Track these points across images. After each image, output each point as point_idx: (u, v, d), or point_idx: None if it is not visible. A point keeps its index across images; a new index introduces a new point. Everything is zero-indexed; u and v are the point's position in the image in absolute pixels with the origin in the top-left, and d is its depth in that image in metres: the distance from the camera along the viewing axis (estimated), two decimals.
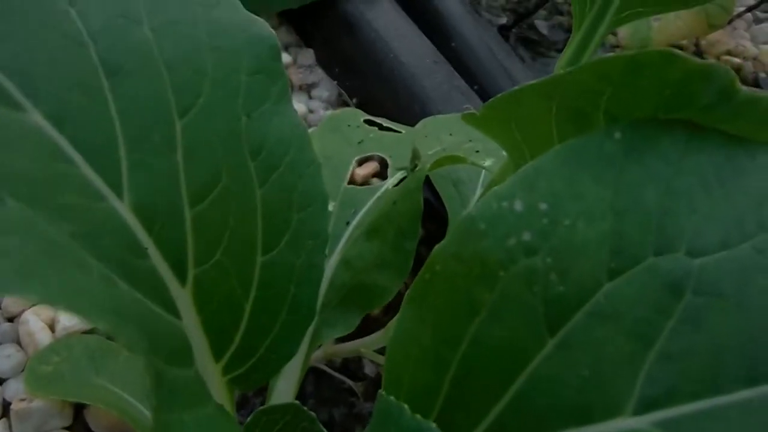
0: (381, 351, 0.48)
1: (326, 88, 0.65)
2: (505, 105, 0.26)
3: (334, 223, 0.36)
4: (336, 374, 0.46)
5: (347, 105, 0.64)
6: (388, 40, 0.61)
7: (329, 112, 0.62)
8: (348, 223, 0.36)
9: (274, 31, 0.23)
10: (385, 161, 0.42)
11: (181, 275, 0.22)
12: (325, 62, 0.66)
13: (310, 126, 0.62)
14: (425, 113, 0.58)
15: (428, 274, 0.22)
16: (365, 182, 0.58)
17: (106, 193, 0.20)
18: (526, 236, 0.21)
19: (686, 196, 0.21)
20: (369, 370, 0.47)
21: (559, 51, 0.86)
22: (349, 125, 0.40)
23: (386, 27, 0.62)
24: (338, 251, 0.35)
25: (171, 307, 0.22)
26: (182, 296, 0.22)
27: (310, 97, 0.64)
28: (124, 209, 0.20)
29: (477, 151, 0.37)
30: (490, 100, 0.25)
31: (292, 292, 0.24)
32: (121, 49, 0.20)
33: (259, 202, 0.23)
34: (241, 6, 0.23)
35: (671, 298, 0.20)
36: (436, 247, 0.22)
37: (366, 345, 0.45)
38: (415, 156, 0.33)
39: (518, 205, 0.22)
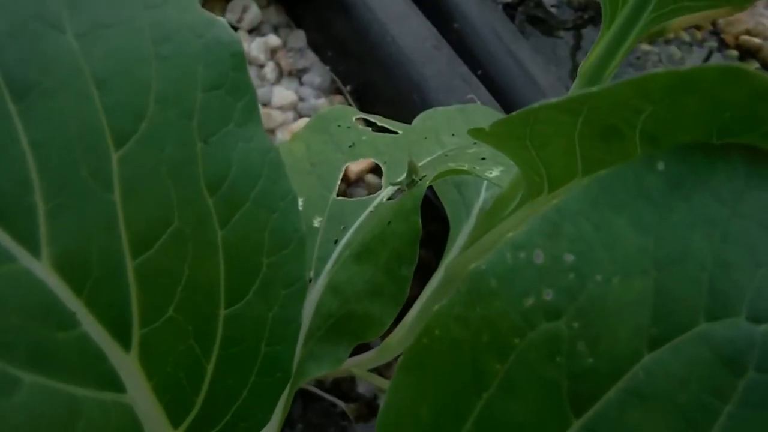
0: (374, 371, 0.44)
1: (318, 74, 0.60)
2: (519, 122, 0.21)
3: (320, 241, 0.31)
4: (326, 396, 0.42)
5: (340, 93, 0.59)
6: (385, 21, 0.56)
7: (321, 100, 0.58)
8: (336, 242, 0.31)
9: (236, 34, 0.19)
10: None
11: (123, 339, 0.18)
12: (317, 45, 0.62)
13: (300, 116, 0.57)
14: (425, 103, 0.53)
15: (427, 339, 0.18)
16: (359, 179, 0.54)
17: (15, 252, 0.15)
18: (548, 295, 0.17)
19: (747, 244, 0.17)
20: (363, 389, 0.43)
21: (568, 30, 0.81)
22: (339, 125, 0.36)
23: (383, 7, 0.57)
24: (325, 274, 0.31)
25: (110, 381, 0.18)
26: (126, 363, 0.18)
27: (301, 83, 0.60)
28: (41, 269, 0.16)
29: (483, 158, 0.33)
30: (501, 119, 0.21)
31: (263, 350, 0.20)
32: (35, 63, 0.16)
33: (220, 246, 0.19)
34: (196, 3, 0.18)
35: (729, 374, 0.16)
36: (437, 307, 0.18)
37: (359, 365, 0.41)
38: (412, 170, 0.28)
39: (538, 257, 0.17)
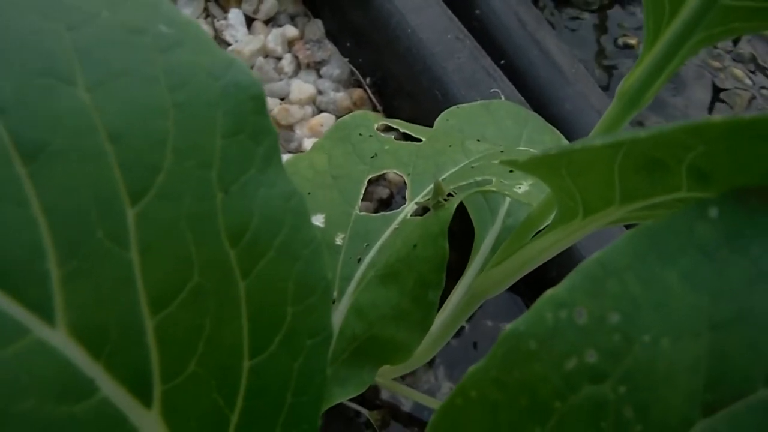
0: (398, 380, 0.43)
1: (337, 66, 0.58)
2: (555, 157, 0.20)
3: (343, 260, 0.30)
4: (350, 404, 0.41)
5: (360, 85, 0.58)
6: (404, 12, 0.55)
7: (341, 94, 0.56)
8: (360, 260, 0.30)
9: (255, 76, 0.18)
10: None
11: (144, 397, 0.17)
12: (335, 35, 0.60)
13: (320, 110, 0.56)
14: (447, 98, 0.52)
15: (461, 399, 0.17)
16: (380, 177, 0.52)
17: (28, 324, 0.15)
18: (591, 357, 0.16)
19: None
20: (386, 396, 0.43)
21: (593, 12, 0.79)
22: (360, 134, 0.35)
23: None
24: (348, 295, 0.30)
25: None
26: (148, 421, 0.18)
27: (320, 76, 0.58)
28: (57, 338, 0.15)
29: (511, 171, 0.31)
30: (536, 156, 0.19)
31: (289, 401, 0.19)
32: (45, 122, 0.15)
33: (243, 297, 0.18)
34: (212, 43, 0.17)
35: None
36: (471, 368, 0.17)
37: (382, 374, 0.40)
38: (438, 192, 0.27)
39: (581, 316, 0.16)
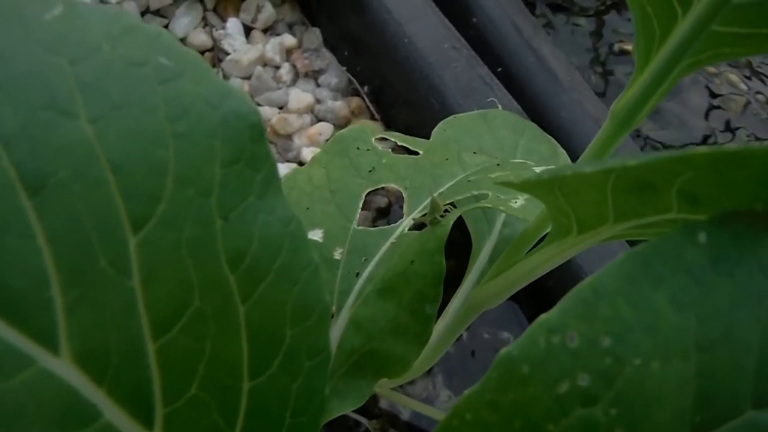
0: (397, 389, 0.43)
1: (335, 74, 0.59)
2: (548, 180, 0.20)
3: (341, 274, 0.31)
4: (349, 413, 0.42)
5: (358, 94, 0.58)
6: (402, 22, 0.55)
7: (339, 102, 0.57)
8: (358, 275, 0.31)
9: (254, 104, 0.18)
10: None
11: (146, 419, 0.18)
12: (333, 44, 0.60)
13: (318, 119, 0.56)
14: (444, 107, 0.52)
15: (457, 421, 0.17)
16: None
17: (33, 354, 0.15)
18: (583, 381, 0.17)
19: None
20: (385, 405, 0.43)
21: (590, 17, 0.79)
22: (358, 148, 0.35)
23: (399, 6, 0.56)
24: (347, 308, 0.30)
25: None
26: None
27: (318, 85, 0.59)
28: (61, 366, 0.16)
29: None
30: (530, 179, 0.20)
31: (288, 421, 0.20)
32: (49, 155, 0.15)
33: (242, 320, 0.19)
34: (211, 73, 0.18)
35: None
36: (467, 392, 0.17)
37: (381, 384, 0.41)
38: (435, 209, 0.27)
39: (572, 340, 0.17)
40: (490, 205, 0.28)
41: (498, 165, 0.34)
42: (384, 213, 0.51)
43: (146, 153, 0.16)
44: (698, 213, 0.19)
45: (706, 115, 0.72)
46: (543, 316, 0.17)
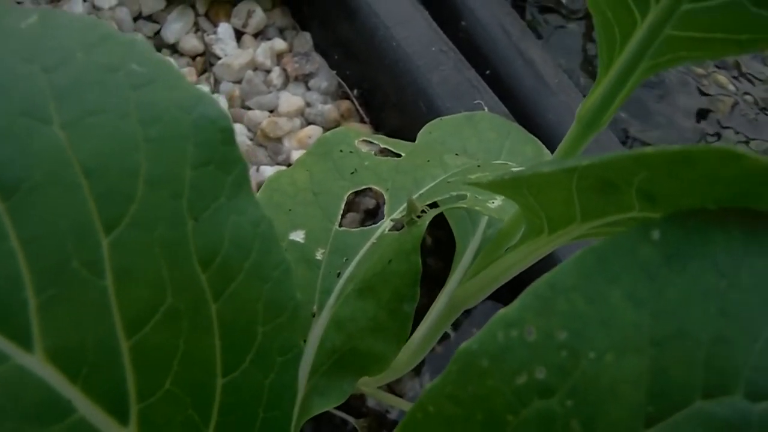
0: (384, 388, 0.44)
1: (325, 78, 0.59)
2: (515, 181, 0.21)
3: (323, 274, 0.31)
4: (336, 412, 0.42)
5: (347, 97, 0.59)
6: (390, 26, 0.56)
7: (329, 106, 0.57)
8: (339, 274, 0.31)
9: (224, 109, 0.19)
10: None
11: (121, 415, 0.18)
12: (323, 48, 0.61)
13: (308, 123, 0.57)
14: (432, 110, 0.53)
15: (420, 414, 0.18)
16: None
17: (8, 351, 0.16)
18: (540, 373, 0.17)
19: (745, 318, 0.17)
20: (373, 404, 0.44)
21: (579, 20, 0.80)
22: (341, 150, 0.36)
23: (388, 10, 0.56)
24: (329, 307, 0.31)
25: None
26: None
27: (308, 88, 0.59)
28: (35, 363, 0.16)
29: None
30: (498, 179, 0.20)
31: (262, 416, 0.20)
32: (23, 159, 0.16)
33: (215, 318, 0.19)
34: (184, 79, 0.18)
35: None
36: (429, 385, 0.18)
37: (367, 383, 0.41)
38: (412, 210, 0.28)
39: (530, 334, 0.17)
40: (466, 206, 0.29)
41: (479, 166, 0.35)
42: (372, 214, 0.51)
43: (119, 156, 0.17)
44: (657, 212, 0.20)
45: (695, 116, 0.72)
46: (502, 311, 0.17)
